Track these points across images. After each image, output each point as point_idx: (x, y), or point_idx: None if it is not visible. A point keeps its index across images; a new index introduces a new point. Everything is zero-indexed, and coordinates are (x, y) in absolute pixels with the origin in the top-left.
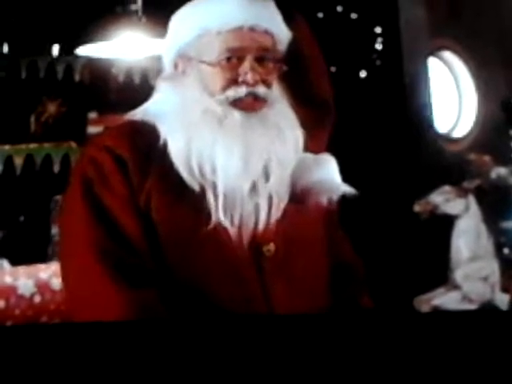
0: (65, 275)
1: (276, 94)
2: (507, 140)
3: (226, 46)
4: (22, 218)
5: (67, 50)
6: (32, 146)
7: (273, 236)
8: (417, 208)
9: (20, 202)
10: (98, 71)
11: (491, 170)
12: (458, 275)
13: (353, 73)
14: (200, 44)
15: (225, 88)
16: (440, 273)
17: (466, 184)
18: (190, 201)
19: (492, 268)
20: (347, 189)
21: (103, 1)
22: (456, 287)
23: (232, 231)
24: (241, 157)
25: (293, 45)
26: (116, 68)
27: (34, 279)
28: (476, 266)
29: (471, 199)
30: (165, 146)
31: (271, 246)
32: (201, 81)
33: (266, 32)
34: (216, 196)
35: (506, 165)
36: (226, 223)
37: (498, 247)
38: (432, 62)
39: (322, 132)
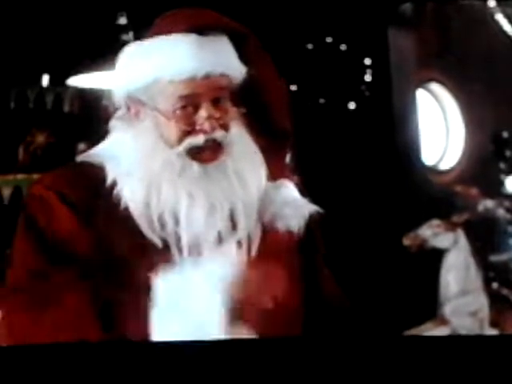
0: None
1: (235, 134)
2: (496, 172)
3: (180, 94)
4: (9, 251)
5: (57, 81)
6: (20, 176)
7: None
8: (406, 242)
9: (7, 233)
10: (87, 102)
11: (478, 202)
12: (447, 310)
13: (342, 104)
14: (152, 91)
15: (181, 139)
16: (428, 307)
17: (454, 218)
18: (152, 253)
19: (481, 303)
20: (313, 207)
21: (94, 31)
22: (444, 322)
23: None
24: (203, 208)
25: (249, 76)
26: (106, 99)
27: None
28: (465, 301)
29: (460, 233)
30: (112, 187)
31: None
32: (156, 128)
33: (221, 75)
34: (180, 249)
35: (494, 197)
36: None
37: (487, 281)
38: (420, 94)
39: (280, 159)
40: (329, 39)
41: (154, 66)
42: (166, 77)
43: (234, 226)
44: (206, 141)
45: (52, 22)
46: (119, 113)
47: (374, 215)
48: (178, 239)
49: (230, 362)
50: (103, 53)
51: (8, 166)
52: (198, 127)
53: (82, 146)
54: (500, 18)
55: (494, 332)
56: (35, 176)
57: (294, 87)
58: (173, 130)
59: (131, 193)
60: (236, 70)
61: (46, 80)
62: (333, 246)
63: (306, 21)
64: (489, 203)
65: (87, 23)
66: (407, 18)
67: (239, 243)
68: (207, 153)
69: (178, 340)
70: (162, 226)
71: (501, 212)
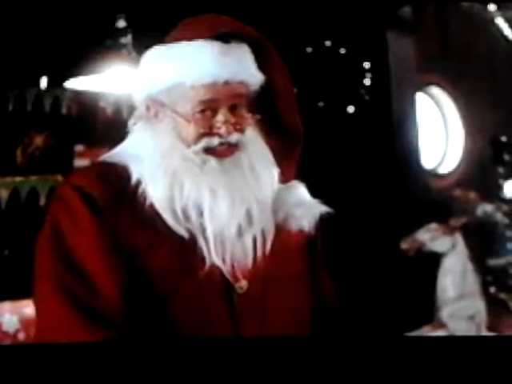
0: (35, 313)
1: (249, 135)
2: (494, 177)
3: (200, 99)
4: (6, 252)
5: (55, 83)
6: (18, 178)
7: (248, 273)
8: (403, 245)
9: (5, 235)
10: (85, 104)
11: (477, 206)
12: (444, 314)
13: (341, 108)
14: (173, 94)
15: (197, 140)
16: (426, 311)
17: (452, 222)
18: (176, 245)
19: (478, 307)
20: (324, 208)
21: (93, 34)
22: (442, 326)
23: (225, 270)
24: (226, 200)
25: (265, 83)
26: (104, 101)
27: (18, 315)
28: (462, 305)
29: (458, 237)
30: (137, 186)
31: (243, 283)
32: (174, 129)
33: (240, 82)
34: (206, 239)
35: (492, 201)
36: (220, 264)
37: (485, 286)
38: (420, 98)
39: (292, 162)
40: (328, 43)
41: (177, 70)
42: (188, 81)
43: (250, 220)
44: (221, 143)
45: (50, 24)
46: (137, 113)
47: (373, 219)
48: (203, 230)
49: (236, 360)
50: (101, 55)
51: (6, 168)
52: (214, 130)
53: (79, 147)
54: (500, 22)
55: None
56: (33, 178)
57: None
58: (190, 131)
59: (155, 189)
60: (254, 77)
61: (44, 82)
62: (331, 249)
63: (305, 24)
64: (487, 207)
65: (86, 26)
66: (406, 22)
67: (254, 238)
68: (222, 149)
69: (185, 336)
70: (187, 218)
71: (499, 216)
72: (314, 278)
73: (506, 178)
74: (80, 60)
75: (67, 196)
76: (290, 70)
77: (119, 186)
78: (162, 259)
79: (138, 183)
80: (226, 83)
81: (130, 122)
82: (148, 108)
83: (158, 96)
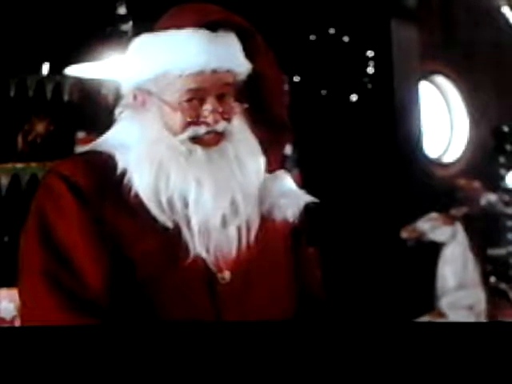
0: (19, 300)
1: (236, 125)
2: (496, 167)
3: (187, 87)
4: (6, 239)
5: (56, 70)
6: (18, 165)
7: (231, 264)
8: (404, 234)
9: (5, 222)
10: (87, 91)
11: (481, 196)
12: (444, 303)
13: (344, 96)
14: (161, 83)
15: (184, 128)
16: (425, 301)
17: (453, 211)
18: (161, 235)
19: (478, 297)
20: (309, 198)
21: (93, 21)
22: (441, 315)
23: (209, 261)
24: (210, 191)
25: (253, 72)
26: (106, 88)
27: (15, 302)
28: (462, 295)
29: (458, 227)
30: (123, 176)
31: (226, 274)
32: (161, 118)
33: (228, 71)
34: (191, 230)
35: (494, 191)
36: (204, 254)
37: (485, 275)
38: (424, 86)
39: (278, 151)
40: (332, 31)
41: (164, 59)
42: (176, 70)
43: (235, 210)
44: (208, 132)
45: (52, 11)
46: (124, 101)
47: (374, 207)
48: (188, 221)
49: (220, 344)
50: (102, 42)
51: (6, 154)
52: (201, 119)
53: (81, 134)
54: (507, 11)
55: None
56: (33, 165)
57: (296, 78)
58: (177, 120)
59: (140, 179)
60: (241, 66)
61: (45, 69)
62: (331, 237)
63: (309, 12)
64: (492, 197)
65: (86, 13)
66: (410, 11)
67: (239, 229)
68: (208, 138)
69: (170, 321)
70: (172, 208)
71: (500, 206)
72: (298, 267)
73: (508, 167)
74: (81, 47)
75: (53, 185)
76: (293, 58)
77: (105, 176)
78: (147, 249)
79: (124, 173)
80: (214, 72)
81: (117, 111)
82: (135, 97)
83: (145, 85)
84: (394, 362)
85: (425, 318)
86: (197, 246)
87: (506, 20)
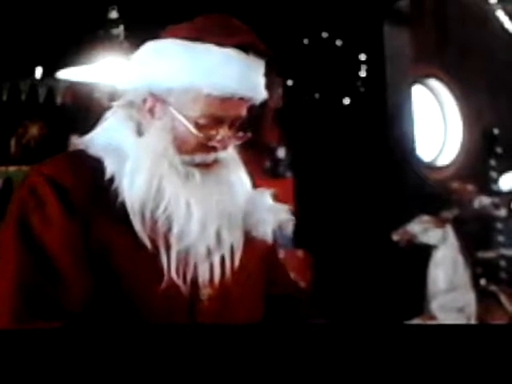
0: None
1: (230, 151)
2: (487, 170)
3: (212, 111)
4: None
5: (49, 74)
6: (11, 168)
7: (210, 288)
8: (395, 237)
9: None
10: (80, 94)
11: (474, 199)
12: (434, 306)
13: (336, 99)
14: (183, 96)
15: (194, 151)
16: (416, 303)
17: (444, 214)
18: (142, 252)
19: (468, 299)
20: (288, 213)
21: (85, 25)
22: (432, 318)
23: (184, 289)
24: (199, 221)
25: (264, 101)
26: (98, 91)
27: None
28: (452, 297)
29: (449, 229)
30: (110, 182)
31: (205, 294)
32: (172, 132)
33: (250, 100)
34: (169, 256)
35: (489, 194)
36: (179, 283)
37: (475, 278)
38: (418, 90)
39: (261, 167)
40: (324, 34)
41: (196, 74)
42: (206, 89)
43: (219, 239)
44: (214, 159)
45: (44, 15)
46: (123, 100)
47: (367, 210)
48: (168, 247)
49: (193, 346)
50: (94, 46)
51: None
52: (211, 143)
53: (74, 137)
54: (501, 14)
55: None
56: (26, 168)
57: (289, 82)
58: (190, 139)
59: (131, 188)
60: (260, 95)
61: (38, 73)
62: (323, 240)
63: (302, 16)
64: (485, 200)
65: (79, 17)
66: (403, 15)
67: (223, 257)
68: (207, 164)
69: (144, 324)
70: (154, 227)
71: (491, 208)
72: (270, 275)
73: (499, 170)
74: (73, 51)
75: (37, 186)
76: (286, 61)
77: (92, 181)
78: (128, 265)
79: (112, 179)
80: (240, 99)
81: (111, 108)
82: (145, 101)
83: (161, 92)
84: (385, 365)
85: (416, 321)
86: (173, 274)
87: (500, 24)
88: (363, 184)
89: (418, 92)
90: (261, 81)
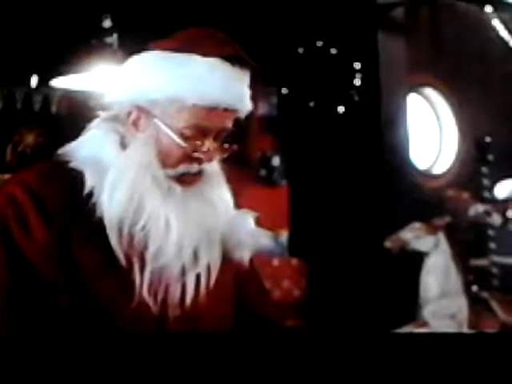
0: None
1: (215, 167)
2: (480, 177)
3: (196, 122)
4: None
5: (44, 82)
6: (6, 176)
7: (180, 309)
8: (388, 244)
9: None
10: (75, 103)
11: (470, 206)
12: (427, 312)
13: (331, 108)
14: (168, 108)
15: (179, 162)
16: (409, 310)
17: (436, 221)
18: (115, 270)
19: (460, 305)
20: (267, 241)
21: (79, 34)
22: (424, 324)
23: (154, 309)
24: (177, 240)
25: (249, 114)
26: (93, 100)
27: None
28: (444, 304)
29: (441, 236)
30: (90, 196)
31: (177, 311)
32: (156, 143)
33: (235, 111)
34: (142, 274)
35: (482, 201)
36: (150, 303)
37: (467, 284)
38: (413, 98)
39: (243, 189)
40: (319, 43)
41: (181, 84)
42: (191, 99)
43: (196, 257)
44: (198, 171)
45: (39, 24)
46: (108, 113)
47: (361, 218)
48: (143, 266)
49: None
50: (87, 55)
51: None
52: (196, 155)
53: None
54: (496, 23)
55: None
56: None
57: (284, 90)
58: (175, 150)
59: (110, 202)
60: (246, 107)
61: (33, 81)
62: (317, 247)
63: (297, 25)
64: (480, 208)
65: (73, 26)
66: (398, 24)
67: (198, 276)
68: (188, 179)
69: (113, 333)
70: (130, 243)
71: (483, 216)
72: (246, 295)
73: (491, 178)
74: (67, 59)
75: (16, 194)
76: (282, 70)
77: (70, 192)
78: (103, 282)
79: (91, 193)
80: (225, 110)
81: (95, 122)
82: (129, 113)
83: (147, 104)
84: (375, 371)
85: (408, 327)
86: (144, 293)
87: (496, 32)
88: (357, 192)
89: (413, 101)
90: (246, 92)
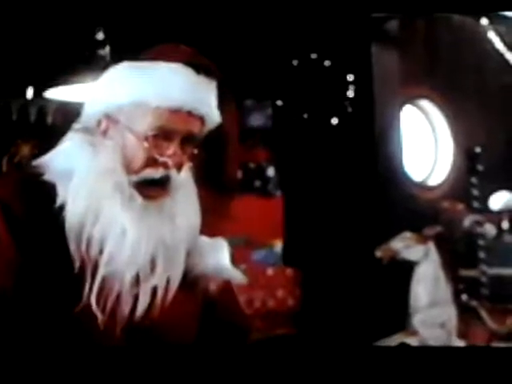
0: None
1: (183, 177)
2: (470, 187)
3: (160, 123)
4: None
5: (39, 94)
6: None
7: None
8: (378, 253)
9: None
10: (70, 114)
11: (464, 217)
12: (416, 321)
13: (324, 119)
14: (133, 112)
15: (143, 167)
16: (399, 318)
17: (426, 230)
18: (68, 272)
19: (449, 314)
20: (237, 274)
21: (73, 46)
22: (414, 333)
23: (100, 318)
24: (131, 246)
25: (219, 128)
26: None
27: None
28: (433, 313)
29: (431, 246)
30: (61, 209)
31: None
32: (121, 149)
33: (200, 117)
34: (93, 279)
35: (475, 212)
36: (97, 310)
37: (456, 294)
38: (409, 111)
39: (220, 217)
40: (313, 55)
41: (144, 88)
42: (154, 101)
43: (152, 270)
44: (161, 177)
45: (34, 36)
46: (80, 125)
47: (350, 227)
48: (95, 269)
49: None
50: (82, 67)
51: None
52: (162, 159)
53: None
54: (492, 35)
55: (461, 343)
56: None
57: (279, 102)
58: (140, 153)
59: (70, 208)
60: (213, 117)
61: (29, 93)
62: (312, 257)
63: (291, 37)
64: (474, 218)
65: (66, 38)
66: (391, 36)
67: (154, 288)
68: (153, 189)
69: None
70: (88, 249)
71: (474, 227)
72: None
73: (481, 188)
74: (62, 71)
75: None
76: (276, 82)
77: (43, 205)
78: (55, 280)
79: (63, 206)
80: (189, 113)
81: (68, 135)
82: (99, 123)
83: (114, 113)
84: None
85: (398, 336)
86: (92, 300)
87: (493, 45)
88: (350, 203)
89: (409, 113)
90: (212, 100)
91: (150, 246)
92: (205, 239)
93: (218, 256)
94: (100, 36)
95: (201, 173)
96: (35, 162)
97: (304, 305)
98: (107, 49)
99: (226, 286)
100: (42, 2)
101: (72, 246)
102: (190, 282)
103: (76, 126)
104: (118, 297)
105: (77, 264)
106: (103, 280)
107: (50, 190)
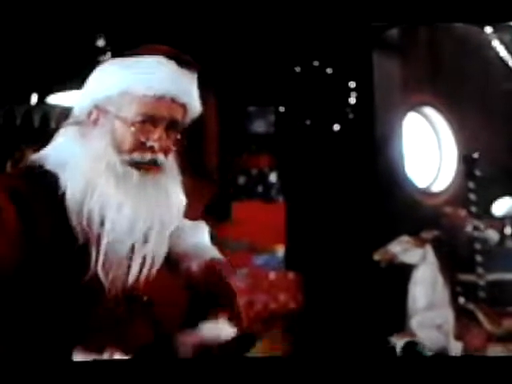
0: None
1: (170, 162)
2: (471, 193)
3: (145, 110)
4: None
5: (43, 99)
6: None
7: (145, 289)
8: (376, 256)
9: None
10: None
11: (467, 223)
12: (414, 323)
13: (326, 126)
14: (121, 101)
15: (132, 151)
16: (397, 320)
17: (423, 234)
18: (74, 246)
19: (446, 317)
20: (216, 254)
21: (75, 52)
22: (411, 335)
23: (105, 284)
24: (129, 218)
25: (200, 119)
26: None
27: None
28: (431, 315)
29: (428, 249)
30: (64, 195)
31: (144, 296)
32: (111, 134)
33: (183, 105)
34: (98, 251)
35: (473, 216)
36: (102, 277)
37: (454, 296)
38: (413, 117)
39: (200, 201)
40: (316, 63)
41: (130, 78)
42: (140, 90)
43: (145, 241)
44: (149, 160)
45: (38, 42)
46: (72, 118)
47: (350, 231)
48: (99, 240)
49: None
50: (82, 73)
51: None
52: (149, 144)
53: None
54: (496, 44)
55: (458, 345)
56: None
57: (281, 108)
58: (127, 137)
59: (71, 190)
60: (195, 106)
61: (33, 99)
62: (313, 262)
63: (294, 45)
64: (477, 224)
65: (67, 45)
66: (392, 44)
67: (144, 258)
68: (149, 166)
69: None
70: (90, 222)
71: (473, 231)
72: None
73: (479, 193)
74: (64, 77)
75: None
76: (279, 89)
77: (48, 192)
78: (60, 254)
79: (65, 191)
80: (172, 101)
81: (62, 127)
82: (90, 114)
83: (104, 103)
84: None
85: (395, 338)
86: (98, 268)
87: (496, 53)
88: (350, 207)
89: (413, 120)
90: (194, 89)
91: (147, 218)
92: (185, 221)
93: (199, 236)
94: (101, 43)
95: (182, 159)
96: (33, 157)
97: (306, 308)
98: (108, 55)
99: (209, 265)
100: (45, 9)
101: (74, 222)
102: (173, 261)
103: (68, 120)
104: (119, 265)
105: (80, 238)
106: (106, 251)
107: (52, 177)
